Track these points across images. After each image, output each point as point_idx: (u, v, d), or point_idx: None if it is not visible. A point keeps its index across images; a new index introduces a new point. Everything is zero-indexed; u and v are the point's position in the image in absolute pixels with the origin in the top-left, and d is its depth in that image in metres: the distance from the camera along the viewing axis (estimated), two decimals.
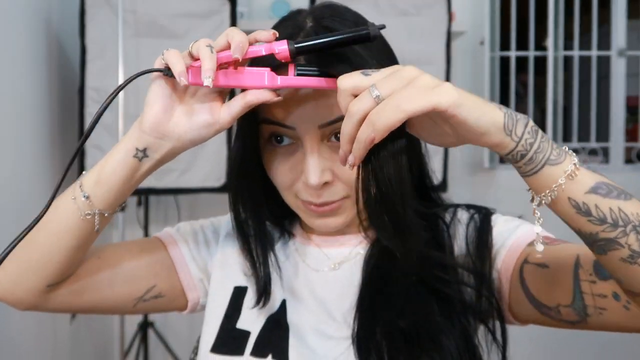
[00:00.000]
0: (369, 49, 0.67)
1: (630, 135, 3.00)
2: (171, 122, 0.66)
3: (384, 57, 0.70)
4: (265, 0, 2.50)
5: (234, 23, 2.17)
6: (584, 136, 2.84)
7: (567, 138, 2.85)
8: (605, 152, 2.85)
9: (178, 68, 0.62)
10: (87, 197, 0.70)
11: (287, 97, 0.67)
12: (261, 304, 0.78)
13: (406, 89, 0.52)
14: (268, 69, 0.64)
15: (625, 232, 0.54)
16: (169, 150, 0.68)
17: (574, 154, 0.56)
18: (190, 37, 2.11)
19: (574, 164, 0.55)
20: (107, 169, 0.69)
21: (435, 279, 0.72)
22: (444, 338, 0.70)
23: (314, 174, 0.68)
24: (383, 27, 0.61)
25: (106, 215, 0.71)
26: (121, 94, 1.99)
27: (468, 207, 0.82)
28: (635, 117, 3.09)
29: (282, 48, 0.62)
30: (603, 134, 2.86)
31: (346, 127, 0.56)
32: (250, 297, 0.81)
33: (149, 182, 2.21)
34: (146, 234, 2.39)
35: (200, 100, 0.67)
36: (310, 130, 0.68)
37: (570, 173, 0.54)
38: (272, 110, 0.69)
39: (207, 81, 0.59)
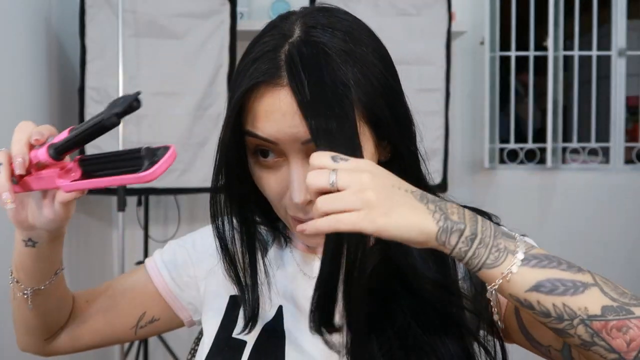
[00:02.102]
0: (360, 64, 0.65)
1: (630, 135, 3.00)
2: (29, 218, 0.69)
3: (375, 73, 0.67)
4: (265, 0, 2.50)
5: (234, 23, 2.17)
6: (584, 136, 2.84)
7: (567, 138, 2.85)
8: (605, 152, 2.85)
9: None
10: (17, 281, 0.76)
11: (269, 113, 0.66)
12: (247, 330, 0.77)
13: (352, 195, 0.55)
14: (58, 170, 0.65)
15: (573, 325, 0.56)
16: (49, 235, 0.71)
17: (520, 251, 0.57)
18: (190, 37, 2.11)
19: (513, 265, 0.56)
20: (16, 256, 0.74)
21: (434, 298, 0.71)
22: (442, 348, 0.69)
23: (299, 192, 0.66)
24: (126, 102, 0.60)
25: (43, 288, 0.77)
26: (121, 93, 1.99)
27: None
28: (635, 117, 3.09)
29: (43, 157, 0.63)
30: (603, 134, 2.86)
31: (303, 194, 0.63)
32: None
33: (149, 182, 2.21)
34: (146, 234, 2.39)
35: (42, 195, 0.69)
36: (294, 146, 0.66)
37: (506, 275, 0.56)
38: (255, 124, 0.66)
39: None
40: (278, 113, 0.65)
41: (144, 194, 2.31)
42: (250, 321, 0.77)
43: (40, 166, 0.66)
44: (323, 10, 0.69)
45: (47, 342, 0.85)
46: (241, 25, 2.24)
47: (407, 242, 0.57)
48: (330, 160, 0.58)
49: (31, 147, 0.64)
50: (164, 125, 2.13)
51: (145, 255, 2.36)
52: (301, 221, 0.70)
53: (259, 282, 0.78)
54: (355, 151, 0.63)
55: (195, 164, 2.18)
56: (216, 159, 0.75)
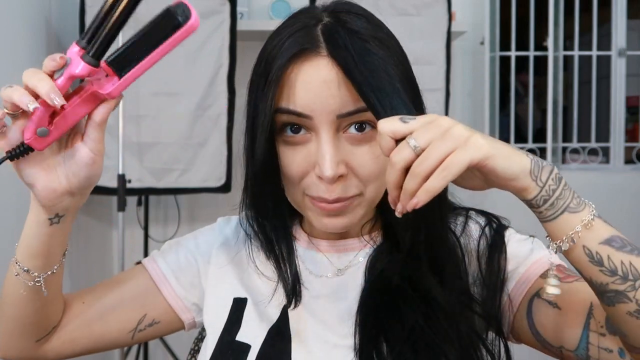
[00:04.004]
0: (388, 49, 0.67)
1: (630, 135, 2.99)
2: (62, 184, 0.66)
3: (400, 58, 0.69)
4: (265, 0, 2.50)
5: (234, 23, 2.17)
6: (584, 136, 2.84)
7: (567, 138, 2.85)
8: (605, 152, 2.85)
9: (42, 90, 0.59)
10: (28, 270, 0.72)
11: (308, 84, 0.66)
12: (293, 304, 0.77)
13: (442, 141, 0.54)
14: (89, 86, 0.61)
15: (634, 287, 0.56)
16: (77, 202, 0.69)
17: (593, 206, 0.58)
18: (190, 37, 2.11)
19: (592, 214, 0.57)
20: (32, 242, 0.70)
21: (445, 299, 0.71)
22: (452, 351, 0.69)
23: (329, 166, 0.65)
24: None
25: (55, 271, 0.73)
26: None
27: (478, 213, 0.80)
28: (635, 117, 3.08)
29: (82, 70, 0.59)
30: (603, 134, 2.86)
31: (390, 176, 0.57)
32: (250, 308, 0.79)
33: (149, 182, 2.22)
34: (146, 234, 2.39)
35: (65, 145, 0.66)
36: (328, 119, 0.66)
37: (587, 223, 0.57)
38: (291, 97, 0.66)
39: (57, 101, 0.58)
40: (318, 81, 0.65)
41: (144, 194, 2.31)
42: (293, 296, 0.77)
43: (67, 96, 0.61)
44: (345, 3, 0.71)
45: (38, 345, 0.80)
46: (241, 25, 2.24)
47: (506, 174, 0.55)
48: (400, 122, 0.56)
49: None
50: (164, 125, 2.13)
51: (145, 255, 2.36)
52: (325, 201, 0.69)
53: (296, 259, 0.79)
54: (413, 106, 0.63)
55: (195, 164, 2.17)
56: (248, 149, 0.74)
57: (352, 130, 0.68)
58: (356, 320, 0.73)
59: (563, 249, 0.58)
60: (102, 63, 0.60)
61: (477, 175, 0.59)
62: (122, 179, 2.03)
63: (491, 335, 0.74)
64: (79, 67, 0.59)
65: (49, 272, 0.72)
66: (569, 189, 0.58)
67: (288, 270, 0.78)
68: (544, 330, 0.69)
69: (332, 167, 0.65)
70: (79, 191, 0.67)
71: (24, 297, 0.74)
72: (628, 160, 2.86)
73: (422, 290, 0.71)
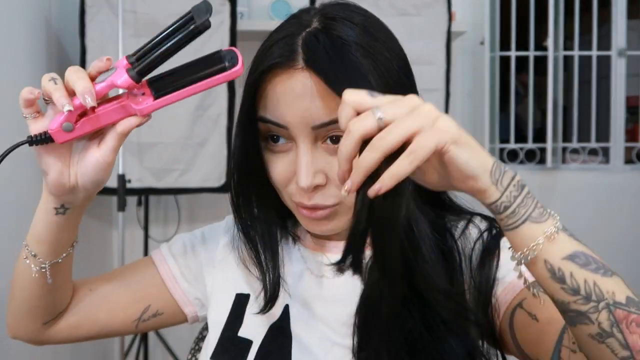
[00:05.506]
0: (374, 58, 0.66)
1: (630, 135, 2.99)
2: (71, 178, 0.68)
3: (390, 66, 0.68)
4: (265, 0, 2.50)
5: (234, 23, 2.17)
6: (584, 136, 2.84)
7: (567, 138, 2.85)
8: (605, 152, 2.85)
9: (57, 98, 0.61)
10: (35, 255, 0.74)
11: (282, 96, 0.67)
12: (267, 309, 0.77)
13: (409, 117, 0.50)
14: (124, 98, 0.64)
15: (597, 309, 0.53)
16: (84, 198, 0.70)
17: (558, 218, 0.54)
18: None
19: (556, 226, 0.53)
20: (40, 228, 0.72)
21: (441, 305, 0.70)
22: (447, 349, 0.69)
23: (305, 176, 0.67)
24: (208, 10, 0.61)
25: (60, 261, 0.75)
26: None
27: (483, 219, 0.79)
28: (635, 117, 3.08)
29: (123, 79, 0.61)
30: (603, 134, 2.86)
31: (344, 146, 0.52)
32: (252, 305, 0.80)
33: (149, 182, 2.23)
34: (146, 234, 2.39)
35: (83, 146, 0.67)
36: (304, 130, 0.67)
37: (550, 235, 0.53)
38: (267, 108, 0.68)
39: (89, 101, 0.60)
40: (291, 95, 0.66)
41: (144, 194, 2.31)
42: (270, 302, 0.77)
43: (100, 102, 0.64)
44: (343, 5, 0.71)
45: (44, 328, 0.83)
46: (241, 25, 2.24)
47: (466, 168, 0.51)
48: (367, 95, 0.52)
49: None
50: (164, 125, 2.13)
51: (145, 255, 2.36)
52: (305, 207, 0.70)
53: (279, 262, 0.79)
54: None
55: (195, 164, 2.17)
56: (233, 150, 0.76)
57: (329, 141, 0.68)
58: (355, 322, 0.73)
59: (524, 262, 0.54)
60: (144, 81, 0.64)
61: (435, 167, 0.54)
62: (122, 179, 2.03)
63: (485, 345, 0.74)
64: (122, 78, 0.61)
65: (55, 261, 0.75)
66: (531, 198, 0.54)
67: (270, 277, 0.78)
68: (523, 341, 0.69)
69: (308, 178, 0.67)
70: (84, 190, 0.69)
71: (32, 281, 0.76)
72: (628, 160, 2.86)
73: (421, 292, 0.70)
